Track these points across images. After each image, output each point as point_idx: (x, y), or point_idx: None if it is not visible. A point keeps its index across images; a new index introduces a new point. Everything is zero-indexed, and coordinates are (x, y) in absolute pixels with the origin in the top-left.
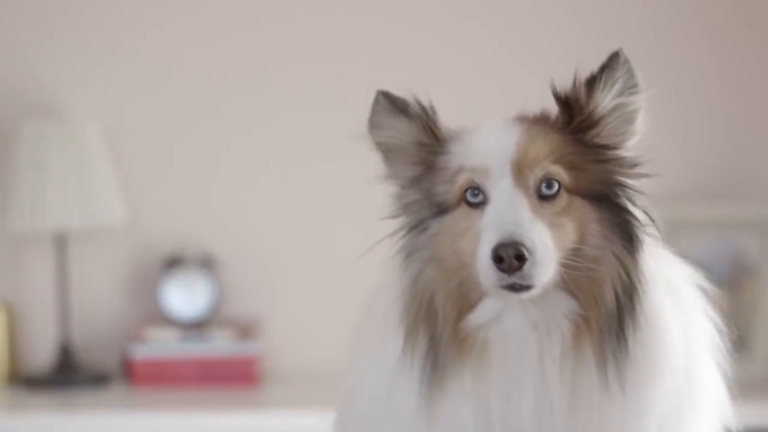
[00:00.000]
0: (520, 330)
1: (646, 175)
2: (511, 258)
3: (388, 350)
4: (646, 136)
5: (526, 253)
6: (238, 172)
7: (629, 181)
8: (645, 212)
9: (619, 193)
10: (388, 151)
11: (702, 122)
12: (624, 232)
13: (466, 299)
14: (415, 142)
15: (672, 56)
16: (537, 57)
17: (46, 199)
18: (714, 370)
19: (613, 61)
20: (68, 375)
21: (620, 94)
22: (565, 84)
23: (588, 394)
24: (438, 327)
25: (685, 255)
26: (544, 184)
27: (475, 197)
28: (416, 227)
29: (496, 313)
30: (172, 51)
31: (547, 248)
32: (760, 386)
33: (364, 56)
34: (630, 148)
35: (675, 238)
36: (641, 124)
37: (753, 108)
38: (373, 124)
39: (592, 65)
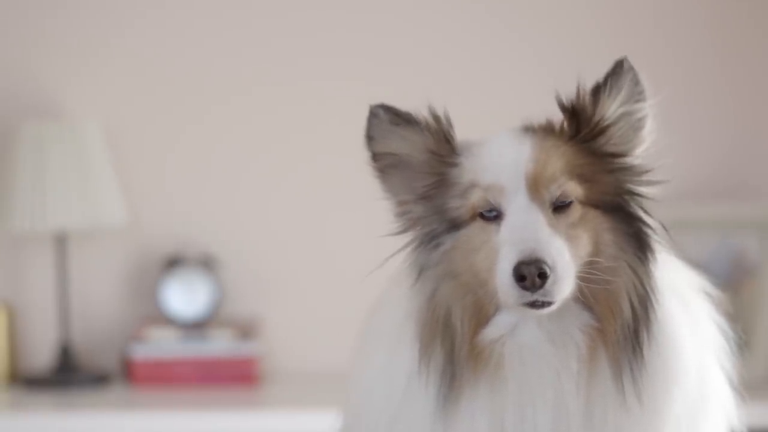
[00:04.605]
0: (535, 344)
1: (656, 183)
2: (533, 276)
3: (400, 364)
4: (653, 138)
5: (548, 271)
6: (239, 172)
7: (639, 189)
8: (655, 219)
9: (630, 201)
10: (389, 167)
11: (702, 122)
12: (637, 241)
13: (481, 314)
14: (427, 152)
15: (672, 57)
16: (539, 63)
17: (46, 199)
18: (722, 375)
19: (617, 68)
20: (68, 375)
21: (626, 101)
22: (569, 94)
23: (604, 407)
24: (455, 342)
25: (685, 255)
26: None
27: (489, 212)
28: (428, 243)
29: (512, 328)
30: (172, 51)
31: (567, 263)
32: (760, 386)
33: (366, 57)
34: (639, 156)
35: (675, 237)
36: (649, 132)
37: (753, 108)
38: (373, 139)
39: (596, 72)
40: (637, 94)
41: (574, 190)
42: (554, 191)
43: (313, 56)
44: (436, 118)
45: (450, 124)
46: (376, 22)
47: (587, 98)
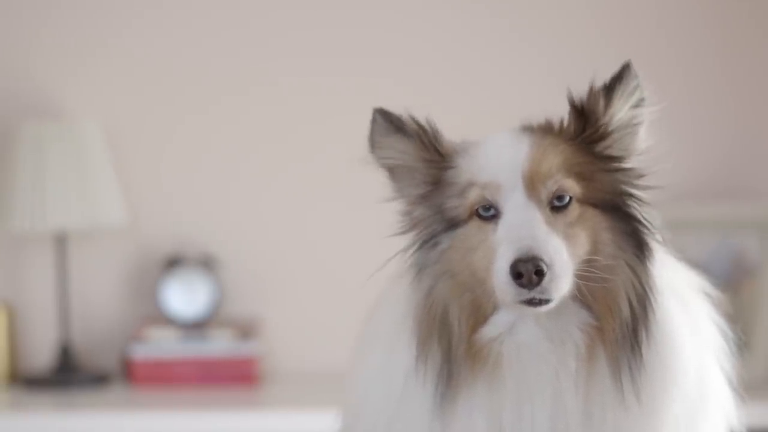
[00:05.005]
0: (533, 342)
1: (653, 187)
2: (530, 273)
3: (398, 362)
4: (650, 142)
5: (545, 268)
6: (238, 172)
7: (637, 192)
8: (652, 222)
9: (628, 202)
10: (392, 170)
11: (702, 122)
12: (635, 240)
13: (479, 312)
14: (419, 160)
15: (672, 57)
16: (539, 65)
17: (46, 199)
18: (721, 375)
19: (625, 72)
20: (68, 375)
21: (633, 106)
22: (581, 94)
23: (603, 406)
24: (452, 340)
25: (685, 255)
26: (555, 197)
27: (486, 211)
28: (427, 242)
29: (510, 326)
30: (172, 51)
31: (565, 261)
32: (760, 386)
33: (366, 55)
34: (637, 159)
35: (675, 238)
36: (648, 135)
37: (753, 108)
38: (374, 144)
39: (592, 72)
40: (640, 99)
41: (572, 187)
42: (551, 186)
43: (313, 55)
44: (421, 127)
45: (435, 132)
46: (376, 20)
47: (600, 100)
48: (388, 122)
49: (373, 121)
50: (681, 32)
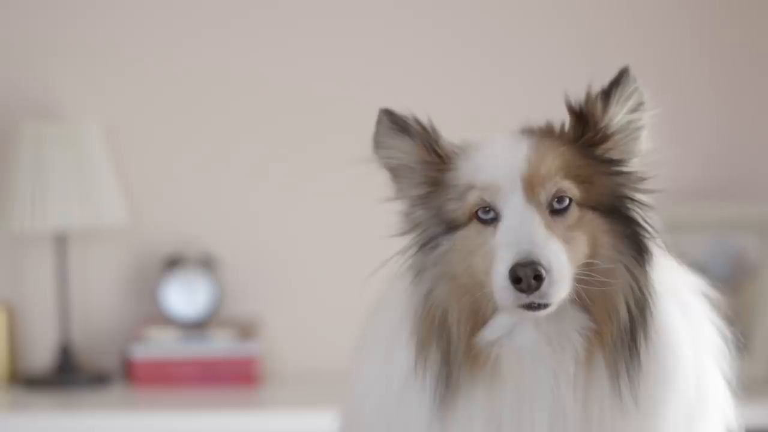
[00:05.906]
0: (532, 346)
1: (653, 191)
2: (529, 278)
3: (397, 364)
4: (651, 145)
5: (544, 273)
6: (238, 172)
7: (636, 195)
8: (652, 225)
9: (628, 205)
10: (393, 171)
11: (701, 122)
12: (634, 244)
13: (479, 315)
14: (419, 161)
15: (670, 56)
16: (539, 67)
17: (46, 199)
18: (720, 377)
19: (623, 76)
20: (68, 375)
21: (631, 110)
22: (578, 97)
23: (601, 410)
24: (451, 343)
25: (684, 257)
26: (555, 200)
27: (486, 214)
28: (426, 244)
29: (509, 330)
30: (174, 52)
31: (564, 265)
32: (760, 386)
33: (369, 60)
34: (637, 163)
35: (675, 238)
36: (646, 140)
37: (751, 108)
38: (377, 144)
39: (590, 74)
40: (639, 103)
41: (570, 188)
42: (550, 189)
43: (313, 55)
44: (421, 127)
45: (436, 134)
46: (374, 20)
47: (597, 104)
48: (392, 123)
49: (378, 121)
50: (679, 33)
